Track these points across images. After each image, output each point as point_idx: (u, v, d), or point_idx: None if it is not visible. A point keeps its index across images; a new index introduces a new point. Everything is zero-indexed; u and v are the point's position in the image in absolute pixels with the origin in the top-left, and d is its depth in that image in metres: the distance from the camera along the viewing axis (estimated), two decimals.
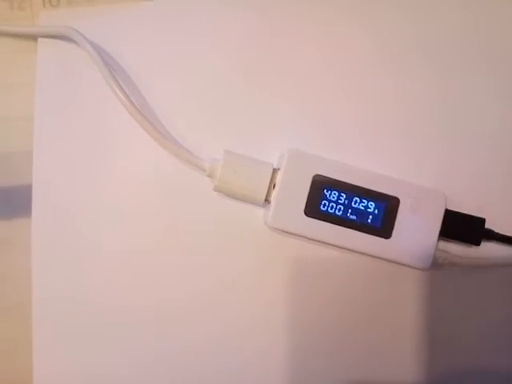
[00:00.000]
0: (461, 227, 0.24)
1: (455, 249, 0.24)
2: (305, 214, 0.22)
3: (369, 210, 0.23)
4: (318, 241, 0.23)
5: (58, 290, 0.24)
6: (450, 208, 0.23)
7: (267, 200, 0.22)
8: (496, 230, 0.24)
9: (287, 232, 0.23)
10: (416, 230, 0.23)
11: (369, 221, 0.22)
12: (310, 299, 0.24)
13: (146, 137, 0.23)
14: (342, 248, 0.23)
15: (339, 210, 0.22)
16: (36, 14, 0.25)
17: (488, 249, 0.24)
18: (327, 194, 0.22)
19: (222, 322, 0.24)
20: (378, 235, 0.22)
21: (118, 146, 0.24)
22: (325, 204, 0.22)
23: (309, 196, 0.22)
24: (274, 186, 0.22)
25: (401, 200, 0.23)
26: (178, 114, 0.25)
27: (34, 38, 0.25)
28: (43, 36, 0.25)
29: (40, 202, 0.24)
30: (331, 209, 0.22)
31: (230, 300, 0.24)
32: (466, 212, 0.24)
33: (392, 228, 0.22)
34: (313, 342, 0.24)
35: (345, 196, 0.22)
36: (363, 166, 0.23)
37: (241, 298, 0.24)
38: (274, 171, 0.22)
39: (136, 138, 0.24)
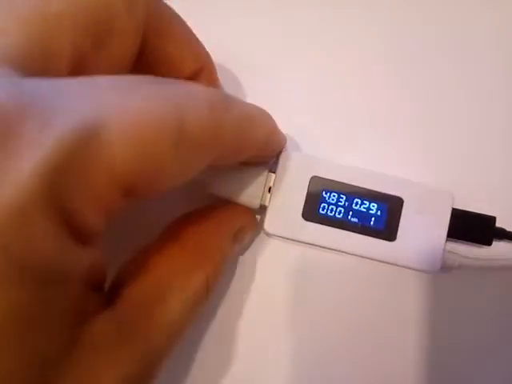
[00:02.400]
0: (470, 227, 0.22)
1: (465, 250, 0.22)
2: (303, 218, 0.21)
3: (371, 211, 0.21)
4: (318, 246, 0.21)
5: None
6: (457, 207, 0.22)
7: (263, 205, 0.21)
8: (508, 229, 0.22)
9: (285, 238, 0.22)
10: (422, 232, 0.21)
11: (371, 223, 0.21)
12: (311, 306, 0.23)
13: None
14: (343, 252, 0.22)
15: (339, 212, 0.21)
16: None
17: (500, 249, 0.23)
18: (326, 196, 0.21)
19: (223, 328, 0.23)
20: (381, 238, 0.21)
21: None
22: (324, 207, 0.21)
23: (306, 199, 0.21)
24: (269, 189, 0.21)
25: (405, 200, 0.21)
26: None
27: None
28: None
29: None
30: (331, 212, 0.21)
31: (228, 307, 0.23)
32: (475, 211, 0.22)
33: (396, 230, 0.21)
34: (315, 349, 0.22)
35: (345, 198, 0.21)
36: (364, 166, 0.22)
37: (240, 303, 0.23)
38: (269, 174, 0.21)
39: None
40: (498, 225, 0.22)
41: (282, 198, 0.21)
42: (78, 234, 0.11)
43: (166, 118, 0.12)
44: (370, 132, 0.23)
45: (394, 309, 0.22)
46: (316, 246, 0.21)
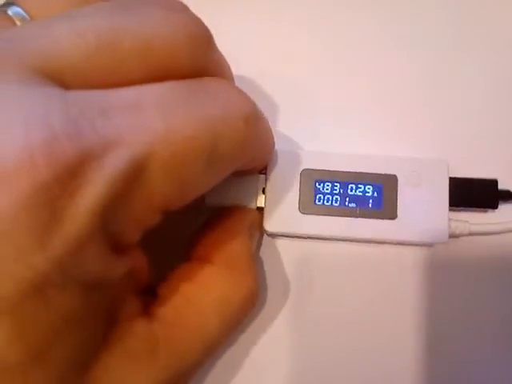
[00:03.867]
0: (472, 192, 0.22)
1: (471, 218, 0.22)
2: (301, 212, 0.21)
3: (367, 194, 0.21)
4: (321, 237, 0.21)
5: None
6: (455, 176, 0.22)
7: (259, 207, 0.21)
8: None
9: (286, 234, 0.22)
10: (423, 204, 0.21)
11: (370, 205, 0.21)
12: (315, 300, 0.22)
13: None
14: (347, 240, 0.21)
15: (336, 200, 0.21)
16: None
17: (506, 213, 0.22)
18: (319, 186, 0.21)
19: None
20: (383, 218, 0.21)
21: None
22: (320, 198, 0.21)
23: (301, 193, 0.21)
24: (263, 191, 0.21)
25: (399, 177, 0.21)
26: None
27: None
28: None
29: None
30: (327, 201, 0.21)
31: None
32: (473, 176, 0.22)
33: (396, 207, 0.21)
34: (320, 336, 0.22)
35: (339, 185, 0.21)
36: (352, 150, 0.22)
37: None
38: (261, 176, 0.21)
39: None
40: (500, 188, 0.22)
41: (277, 196, 0.21)
42: (119, 248, 0.13)
43: (202, 141, 0.13)
44: (355, 116, 0.24)
45: (400, 296, 0.22)
46: (318, 237, 0.21)
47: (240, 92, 0.16)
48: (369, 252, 0.22)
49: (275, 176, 0.21)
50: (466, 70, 0.24)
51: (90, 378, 0.13)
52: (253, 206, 0.21)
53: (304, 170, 0.21)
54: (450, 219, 0.21)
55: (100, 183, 0.11)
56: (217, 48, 0.16)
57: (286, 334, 0.22)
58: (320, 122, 0.24)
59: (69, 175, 0.11)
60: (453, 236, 0.21)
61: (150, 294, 0.16)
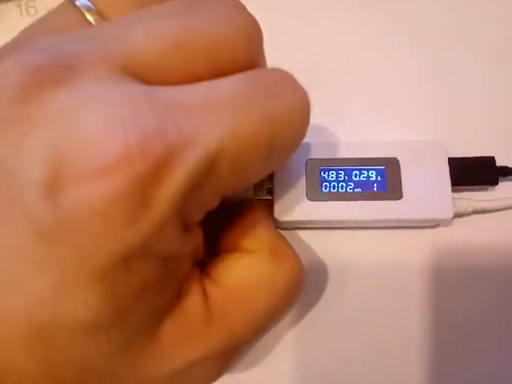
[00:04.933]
0: (472, 171, 0.23)
1: (472, 196, 0.23)
2: (308, 200, 0.22)
3: (371, 178, 0.22)
4: (330, 222, 0.22)
5: None
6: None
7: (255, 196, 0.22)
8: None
9: (296, 222, 0.22)
10: (426, 184, 0.22)
11: (375, 189, 0.22)
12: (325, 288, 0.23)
13: None
14: (357, 223, 0.22)
15: (342, 187, 0.22)
16: (14, 25, 0.26)
17: (507, 189, 0.23)
18: (325, 175, 0.22)
19: None
20: (388, 199, 0.22)
21: None
22: (326, 185, 0.22)
23: (307, 182, 0.22)
24: (261, 183, 0.22)
25: (399, 158, 0.22)
26: None
27: None
28: None
29: None
30: (334, 188, 0.22)
31: None
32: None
33: (400, 188, 0.22)
34: (330, 323, 0.22)
35: (343, 172, 0.22)
36: (354, 138, 0.23)
37: None
38: None
39: None
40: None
41: (285, 187, 0.22)
42: (187, 228, 0.15)
43: (264, 137, 0.14)
44: (351, 104, 0.25)
45: (406, 272, 0.23)
46: (328, 222, 0.22)
47: (295, 83, 0.16)
48: (375, 235, 0.23)
49: (282, 168, 0.22)
50: (461, 55, 0.25)
51: (154, 340, 0.15)
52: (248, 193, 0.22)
53: (309, 159, 0.22)
54: (453, 198, 0.22)
55: (180, 177, 0.13)
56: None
57: (293, 334, 0.22)
58: (322, 112, 0.24)
59: (157, 169, 0.12)
60: (457, 215, 0.22)
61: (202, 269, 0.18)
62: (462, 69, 0.25)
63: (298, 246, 0.23)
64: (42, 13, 0.27)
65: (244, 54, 0.15)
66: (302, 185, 0.22)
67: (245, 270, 0.18)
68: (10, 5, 0.27)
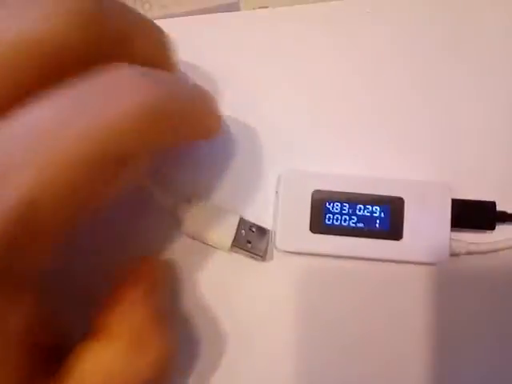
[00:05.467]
0: (472, 214, 0.23)
1: (470, 238, 0.23)
2: (311, 231, 0.22)
3: (374, 214, 0.22)
4: (330, 255, 0.22)
5: None
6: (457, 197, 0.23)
7: (234, 246, 0.22)
8: (509, 211, 0.23)
9: (297, 252, 0.23)
10: (426, 226, 0.22)
11: (377, 225, 0.22)
12: (324, 314, 0.23)
13: None
14: (355, 258, 0.22)
15: (345, 220, 0.22)
16: None
17: (504, 232, 0.24)
18: (329, 207, 0.22)
19: (238, 341, 0.23)
20: (389, 238, 0.22)
21: None
22: (329, 217, 0.22)
23: (312, 213, 0.22)
24: (242, 233, 0.22)
25: (404, 198, 0.22)
26: None
27: None
28: None
29: None
30: (337, 221, 0.22)
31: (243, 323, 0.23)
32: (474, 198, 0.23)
33: (402, 228, 0.22)
34: (331, 350, 0.23)
35: (348, 206, 0.22)
36: (362, 173, 0.23)
37: (253, 318, 0.23)
38: (242, 220, 0.22)
39: None
40: (498, 209, 0.23)
41: (289, 215, 0.22)
42: (10, 293, 0.12)
43: (88, 156, 0.12)
44: (361, 140, 0.24)
45: (403, 309, 0.23)
46: (327, 256, 0.22)
47: (134, 82, 0.14)
48: (374, 269, 0.23)
49: (287, 195, 0.22)
50: (474, 98, 0.25)
51: None
52: (227, 245, 0.22)
53: (316, 190, 0.22)
54: (450, 239, 0.22)
55: None
56: (114, 16, 0.14)
57: (293, 349, 0.23)
58: (333, 145, 0.24)
59: None
60: (453, 255, 0.23)
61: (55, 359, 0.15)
62: (473, 112, 0.25)
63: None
64: None
65: (78, 49, 0.13)
66: (306, 215, 0.22)
67: (97, 362, 0.15)
68: None
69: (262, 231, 0.22)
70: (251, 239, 0.22)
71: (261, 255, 0.22)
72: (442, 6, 0.26)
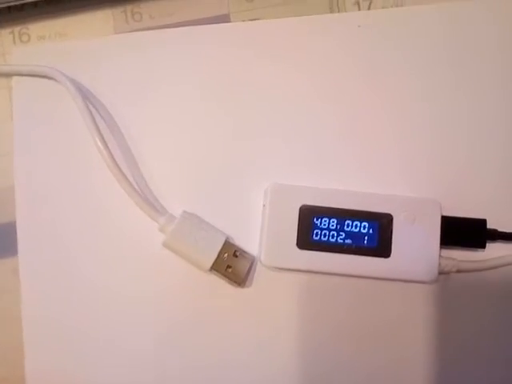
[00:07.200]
0: (462, 232, 0.23)
1: (460, 255, 0.23)
2: (298, 247, 0.22)
3: (363, 231, 0.22)
4: (317, 272, 0.22)
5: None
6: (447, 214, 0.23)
7: (213, 269, 0.21)
8: (499, 229, 0.23)
9: (283, 268, 0.22)
10: (415, 243, 0.22)
11: (365, 242, 0.22)
12: (315, 330, 0.23)
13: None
14: (342, 275, 0.22)
15: (332, 236, 0.22)
16: (7, 51, 0.26)
17: (494, 249, 0.23)
18: (317, 222, 0.22)
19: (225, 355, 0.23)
20: (376, 255, 0.22)
21: (93, 184, 0.24)
22: (317, 233, 0.22)
23: (299, 228, 0.22)
24: (225, 257, 0.21)
25: (393, 215, 0.22)
26: (155, 149, 0.24)
27: (7, 76, 0.25)
28: (21, 74, 0.25)
29: (25, 239, 0.24)
30: (324, 236, 0.22)
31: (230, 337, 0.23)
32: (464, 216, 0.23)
33: (390, 246, 0.22)
34: (322, 369, 0.23)
35: (336, 221, 0.22)
36: (351, 188, 0.23)
37: (244, 335, 0.23)
38: (227, 243, 0.22)
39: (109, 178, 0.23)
40: (488, 227, 0.23)
41: (276, 230, 0.22)
42: None
43: None
44: (351, 155, 0.24)
45: (396, 324, 0.23)
46: (314, 272, 0.22)
47: None
48: (362, 287, 0.23)
49: (275, 210, 0.22)
50: (465, 114, 0.25)
51: None
52: (207, 266, 0.21)
53: (303, 205, 0.22)
54: (440, 257, 0.22)
55: None
56: None
57: (286, 364, 0.22)
58: (322, 159, 0.24)
59: None
60: (442, 273, 0.22)
61: None
62: (466, 128, 0.24)
63: None
64: (34, 40, 0.26)
65: None
66: (293, 230, 0.22)
67: None
68: (2, 32, 0.26)
69: (246, 257, 0.22)
70: (232, 264, 0.21)
71: (238, 282, 0.22)
72: (439, 16, 0.25)
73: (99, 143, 0.23)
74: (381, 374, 0.23)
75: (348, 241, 0.22)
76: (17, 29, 0.26)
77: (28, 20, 0.26)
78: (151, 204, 0.23)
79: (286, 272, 0.23)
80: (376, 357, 0.23)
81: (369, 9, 0.26)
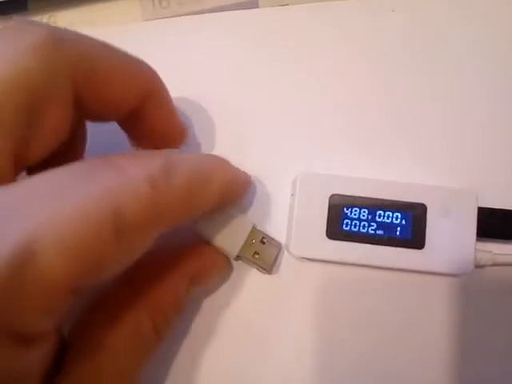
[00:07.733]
0: (499, 224, 0.22)
1: (496, 247, 0.22)
2: (327, 237, 0.21)
3: (395, 221, 0.21)
4: (347, 263, 0.21)
5: None
6: (483, 206, 0.22)
7: (240, 255, 0.21)
8: None
9: (312, 259, 0.21)
10: (450, 235, 0.21)
11: (397, 233, 0.21)
12: (341, 322, 0.22)
13: None
14: (373, 267, 0.21)
15: (363, 226, 0.21)
16: None
17: None
18: (347, 212, 0.21)
19: (252, 345, 0.22)
20: (410, 247, 0.21)
21: None
22: (347, 223, 0.21)
23: (328, 218, 0.21)
24: (253, 242, 0.21)
25: (428, 206, 0.21)
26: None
27: None
28: None
29: None
30: (355, 227, 0.21)
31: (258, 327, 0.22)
32: (502, 207, 0.22)
33: (424, 237, 0.21)
34: (347, 361, 0.22)
35: (367, 211, 0.21)
36: (383, 177, 0.22)
37: (269, 325, 0.22)
38: (254, 229, 0.21)
39: None
40: None
41: (305, 220, 0.21)
42: (25, 338, 0.13)
43: (99, 213, 0.13)
44: (383, 143, 0.23)
45: (425, 317, 0.22)
46: (344, 263, 0.21)
47: (147, 153, 0.15)
48: (393, 279, 0.22)
49: (304, 199, 0.21)
50: (497, 102, 0.24)
51: None
52: (234, 252, 0.21)
53: (333, 194, 0.21)
54: (476, 250, 0.21)
55: None
56: (70, 42, 0.16)
57: (306, 358, 0.22)
58: (352, 149, 0.23)
59: None
60: (478, 266, 0.21)
61: None
62: (505, 117, 0.23)
63: None
64: None
65: (41, 78, 0.14)
66: (322, 219, 0.21)
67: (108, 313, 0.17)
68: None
69: (274, 244, 0.21)
70: (260, 251, 0.21)
71: (266, 269, 0.21)
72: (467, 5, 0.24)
73: None
74: (408, 368, 0.22)
75: (379, 231, 0.21)
76: (46, 16, 0.26)
77: (57, 8, 0.26)
78: None
79: (313, 262, 0.22)
80: (403, 350, 0.22)
81: None
